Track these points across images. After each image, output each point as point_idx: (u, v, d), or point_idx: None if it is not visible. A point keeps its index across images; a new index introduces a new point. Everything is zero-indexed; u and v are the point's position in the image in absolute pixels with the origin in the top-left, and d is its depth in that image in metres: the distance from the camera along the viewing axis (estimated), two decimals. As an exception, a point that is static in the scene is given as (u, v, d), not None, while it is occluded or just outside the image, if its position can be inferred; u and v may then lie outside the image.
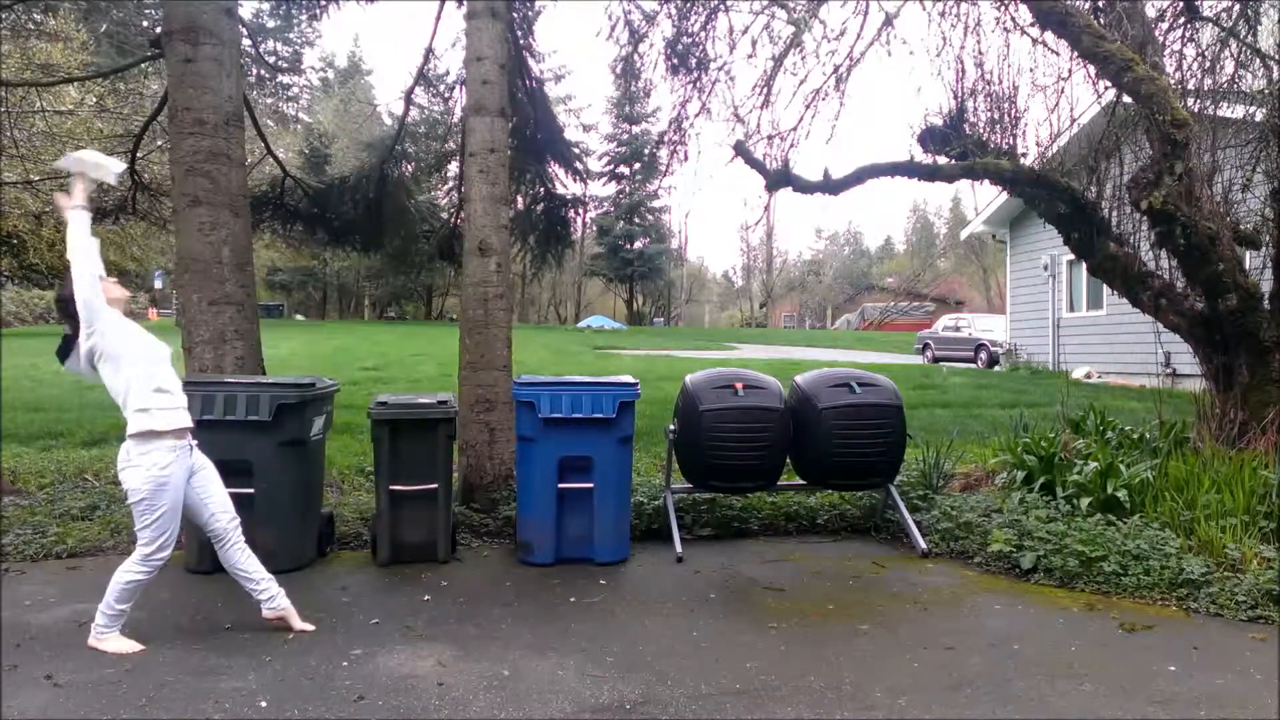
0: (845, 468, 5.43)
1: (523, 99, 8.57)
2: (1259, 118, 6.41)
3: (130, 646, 3.57)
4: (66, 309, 3.62)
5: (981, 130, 6.61)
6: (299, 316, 48.79)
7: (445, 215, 10.64)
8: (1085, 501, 5.24)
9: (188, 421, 3.71)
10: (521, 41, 8.43)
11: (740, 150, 6.26)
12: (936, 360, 21.89)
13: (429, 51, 9.11)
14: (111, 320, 3.59)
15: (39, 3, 13.44)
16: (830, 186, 6.08)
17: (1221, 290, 5.77)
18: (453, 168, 11.47)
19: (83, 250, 3.51)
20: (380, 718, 3.02)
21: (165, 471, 3.55)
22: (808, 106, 7.40)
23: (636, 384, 5.10)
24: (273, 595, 3.79)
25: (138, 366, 3.59)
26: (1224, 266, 5.73)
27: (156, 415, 3.55)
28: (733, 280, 75.56)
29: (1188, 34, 6.71)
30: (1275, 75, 6.46)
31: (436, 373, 14.18)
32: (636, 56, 8.48)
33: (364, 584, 4.58)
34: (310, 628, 3.79)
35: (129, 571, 3.59)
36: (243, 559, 3.79)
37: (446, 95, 10.62)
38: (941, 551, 5.24)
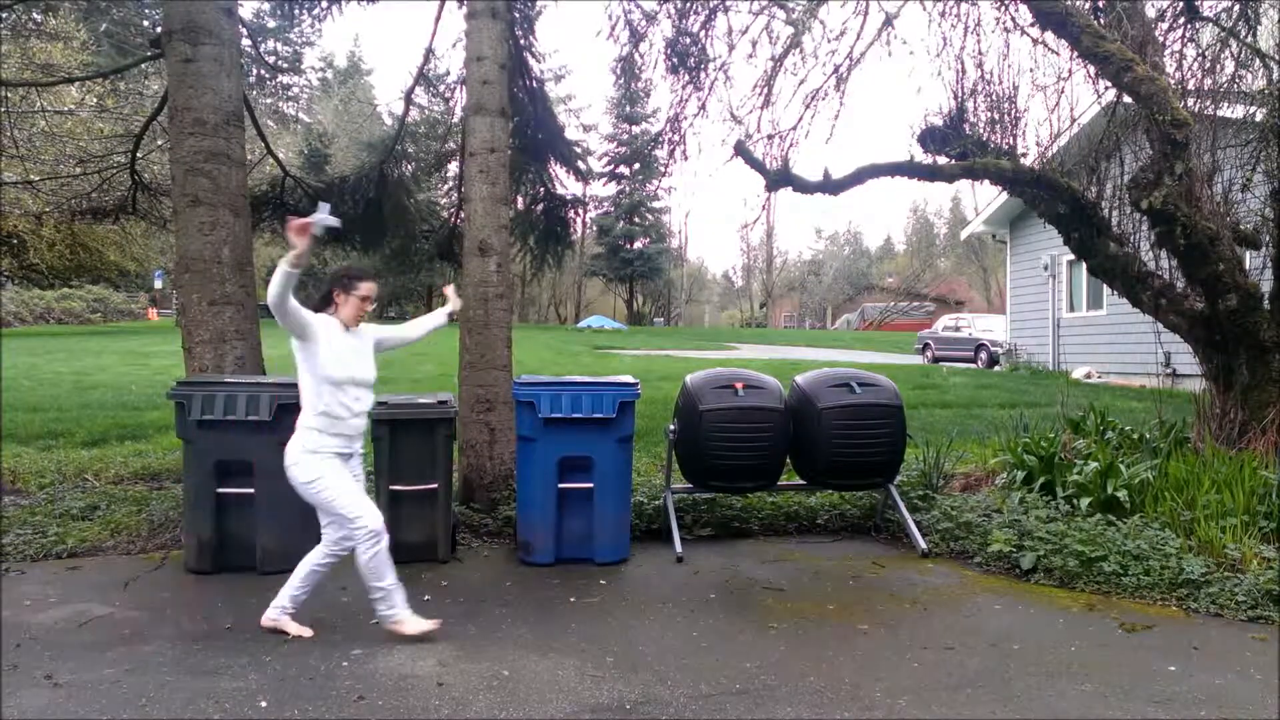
0: (845, 468, 5.43)
1: (523, 99, 8.56)
2: (1259, 118, 6.41)
3: (427, 625, 3.75)
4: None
5: (981, 130, 6.61)
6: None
7: (445, 215, 10.61)
8: (1085, 501, 5.24)
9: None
10: (522, 41, 8.42)
11: (740, 150, 6.26)
12: (936, 360, 21.88)
13: (429, 51, 9.10)
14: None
15: (39, 3, 13.43)
16: (830, 186, 6.07)
17: (1221, 290, 5.77)
18: (453, 168, 11.45)
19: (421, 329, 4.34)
20: (380, 718, 3.02)
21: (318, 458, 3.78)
22: (807, 106, 7.38)
23: (637, 384, 5.10)
24: (286, 609, 3.81)
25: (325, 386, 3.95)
26: (1224, 266, 5.73)
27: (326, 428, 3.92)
28: (733, 280, 75.54)
29: (1188, 34, 6.71)
30: (1275, 75, 6.46)
31: (436, 373, 14.17)
32: (636, 56, 8.47)
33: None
34: (308, 632, 3.78)
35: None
36: (320, 567, 3.87)
37: (446, 95, 10.60)
38: (941, 551, 5.25)
